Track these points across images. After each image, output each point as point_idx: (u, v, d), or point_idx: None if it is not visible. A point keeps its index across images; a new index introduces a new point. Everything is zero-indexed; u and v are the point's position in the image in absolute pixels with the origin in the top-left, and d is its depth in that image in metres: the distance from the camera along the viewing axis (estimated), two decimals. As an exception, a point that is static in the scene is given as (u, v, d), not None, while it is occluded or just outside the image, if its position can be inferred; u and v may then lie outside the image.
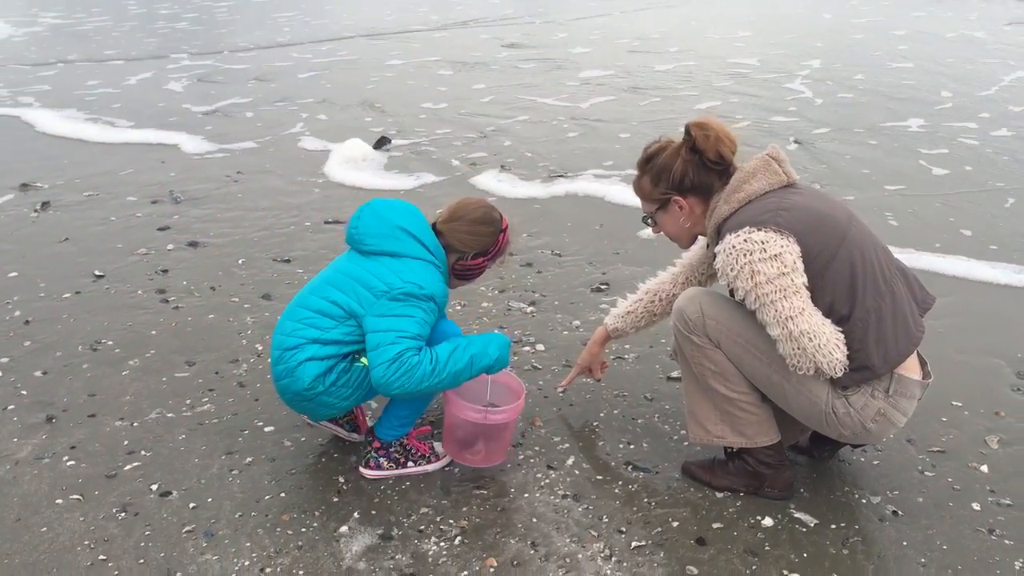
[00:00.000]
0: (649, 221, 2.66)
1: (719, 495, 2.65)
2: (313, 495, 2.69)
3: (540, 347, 3.55)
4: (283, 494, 2.69)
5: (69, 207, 5.37)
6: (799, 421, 2.56)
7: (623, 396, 3.20)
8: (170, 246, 4.69)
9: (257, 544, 2.48)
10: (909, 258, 4.36)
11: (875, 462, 2.79)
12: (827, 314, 2.33)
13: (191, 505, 2.64)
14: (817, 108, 7.70)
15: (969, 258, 4.43)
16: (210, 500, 2.67)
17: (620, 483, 2.72)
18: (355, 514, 2.60)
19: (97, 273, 4.35)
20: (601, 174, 5.90)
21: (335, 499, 2.67)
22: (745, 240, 2.31)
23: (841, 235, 2.35)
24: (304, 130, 7.24)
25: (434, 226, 2.73)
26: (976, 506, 2.58)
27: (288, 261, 4.48)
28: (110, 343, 3.65)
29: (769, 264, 2.28)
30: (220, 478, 2.77)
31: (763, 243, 2.29)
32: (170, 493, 2.70)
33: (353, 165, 6.18)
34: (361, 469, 2.77)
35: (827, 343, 2.28)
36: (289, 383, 2.60)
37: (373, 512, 2.60)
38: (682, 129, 2.49)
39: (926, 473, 2.73)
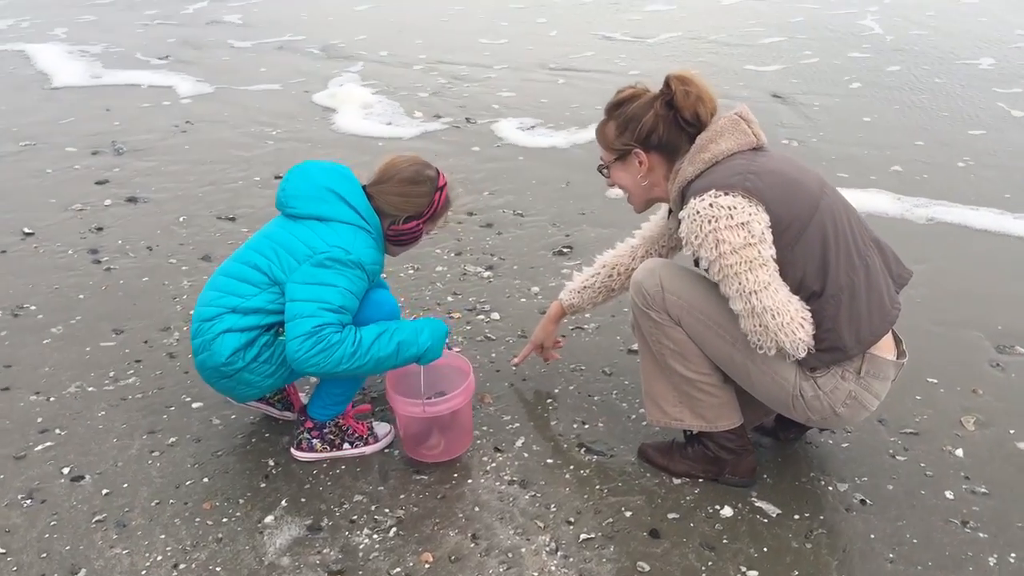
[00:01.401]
0: (605, 171, 2.43)
1: (676, 481, 2.46)
2: (239, 480, 2.48)
3: (495, 316, 3.33)
4: (206, 479, 2.48)
5: (2, 158, 5.05)
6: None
7: (580, 370, 3.00)
8: (108, 201, 4.41)
9: (173, 536, 2.27)
10: (938, 212, 4.18)
11: (844, 445, 2.61)
12: (797, 290, 2.13)
13: (104, 491, 2.43)
14: (888, 44, 7.44)
15: (1003, 211, 4.18)
16: (125, 486, 2.45)
17: (572, 467, 2.53)
18: (283, 502, 2.39)
19: (26, 230, 4.07)
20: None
21: (262, 484, 2.46)
22: (711, 205, 2.09)
23: (813, 204, 2.13)
24: (336, 74, 6.92)
25: (365, 188, 2.48)
26: (949, 494, 2.41)
27: (233, 219, 4.21)
28: (33, 308, 3.40)
29: (735, 233, 2.07)
30: (139, 460, 2.56)
31: (730, 209, 2.07)
32: (83, 477, 2.49)
33: (361, 113, 5.91)
34: (293, 451, 2.56)
35: (790, 322, 2.08)
36: (206, 358, 2.36)
37: (303, 499, 2.40)
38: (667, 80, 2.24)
39: (898, 457, 2.56)
